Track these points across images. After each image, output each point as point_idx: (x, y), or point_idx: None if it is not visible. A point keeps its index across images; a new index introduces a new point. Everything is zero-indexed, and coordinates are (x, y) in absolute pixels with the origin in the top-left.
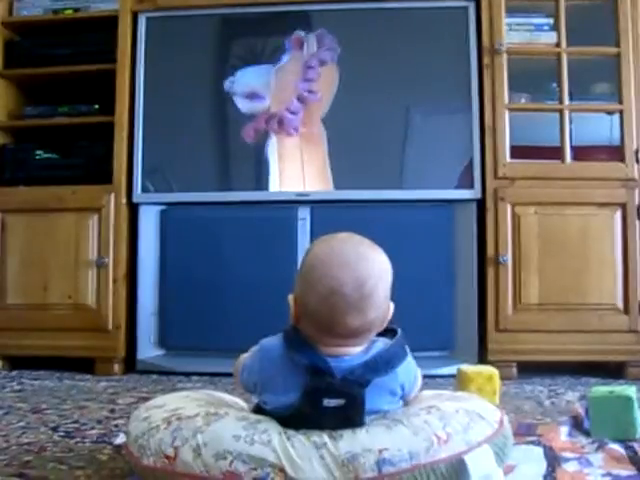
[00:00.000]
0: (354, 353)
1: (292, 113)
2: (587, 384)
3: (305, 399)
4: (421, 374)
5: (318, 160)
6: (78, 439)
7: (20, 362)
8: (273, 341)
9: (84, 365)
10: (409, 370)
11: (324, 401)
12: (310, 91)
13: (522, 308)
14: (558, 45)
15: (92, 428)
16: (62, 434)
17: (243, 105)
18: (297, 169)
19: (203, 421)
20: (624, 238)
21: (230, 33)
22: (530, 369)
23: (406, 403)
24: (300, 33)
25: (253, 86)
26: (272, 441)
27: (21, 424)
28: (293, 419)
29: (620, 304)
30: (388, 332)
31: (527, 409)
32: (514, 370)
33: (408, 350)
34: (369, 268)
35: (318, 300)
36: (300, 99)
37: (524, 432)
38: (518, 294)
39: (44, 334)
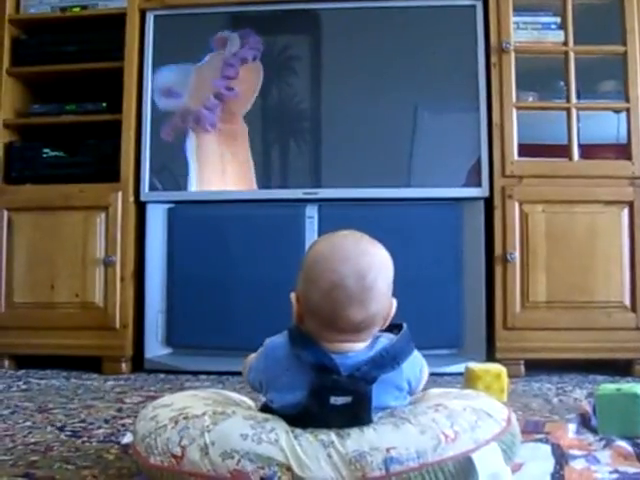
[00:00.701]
0: (358, 349)
1: (208, 109)
2: (595, 382)
3: (312, 397)
4: (428, 370)
5: (241, 157)
6: (85, 438)
7: (27, 361)
8: (278, 339)
9: (91, 364)
10: (414, 365)
11: (331, 399)
12: (228, 88)
13: (530, 306)
14: (565, 44)
15: (99, 427)
16: (69, 433)
17: (160, 102)
18: (217, 166)
19: (210, 420)
20: (631, 236)
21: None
22: (538, 367)
23: (413, 396)
24: (224, 33)
25: (170, 84)
26: (279, 440)
27: (27, 424)
28: (300, 418)
29: (627, 302)
30: (394, 328)
31: (535, 407)
32: (522, 368)
33: (413, 345)
34: (369, 261)
35: (321, 295)
36: (217, 96)
37: (532, 430)
38: (526, 292)
39: (51, 333)
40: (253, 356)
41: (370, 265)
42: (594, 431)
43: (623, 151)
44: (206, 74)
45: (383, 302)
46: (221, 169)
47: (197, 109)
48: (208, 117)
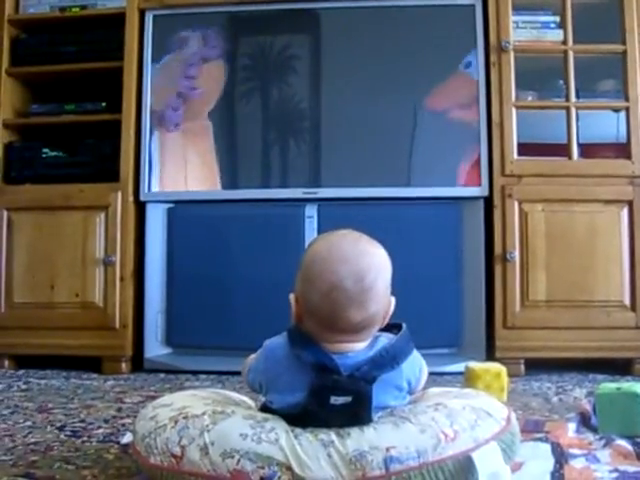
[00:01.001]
0: (358, 349)
1: (173, 109)
2: (594, 381)
3: (312, 397)
4: (428, 371)
5: (205, 154)
6: (85, 438)
7: (27, 361)
8: (277, 340)
9: (91, 364)
10: (414, 365)
11: (331, 399)
12: (191, 88)
13: (529, 305)
14: (565, 43)
15: (99, 427)
16: (69, 433)
17: None
18: (180, 164)
19: (210, 420)
20: (631, 235)
21: (237, 31)
22: (538, 366)
23: (412, 395)
24: (185, 32)
25: None
26: (279, 439)
27: (27, 423)
28: (300, 417)
29: (627, 301)
30: (393, 327)
31: (535, 406)
32: (522, 367)
33: (413, 345)
34: (368, 262)
35: (319, 296)
36: (180, 95)
37: (532, 429)
38: (525, 291)
39: (51, 333)
40: (253, 357)
41: (369, 266)
42: (594, 430)
43: (622, 150)
44: (166, 74)
45: (382, 302)
46: (184, 167)
47: (161, 110)
48: (172, 117)
